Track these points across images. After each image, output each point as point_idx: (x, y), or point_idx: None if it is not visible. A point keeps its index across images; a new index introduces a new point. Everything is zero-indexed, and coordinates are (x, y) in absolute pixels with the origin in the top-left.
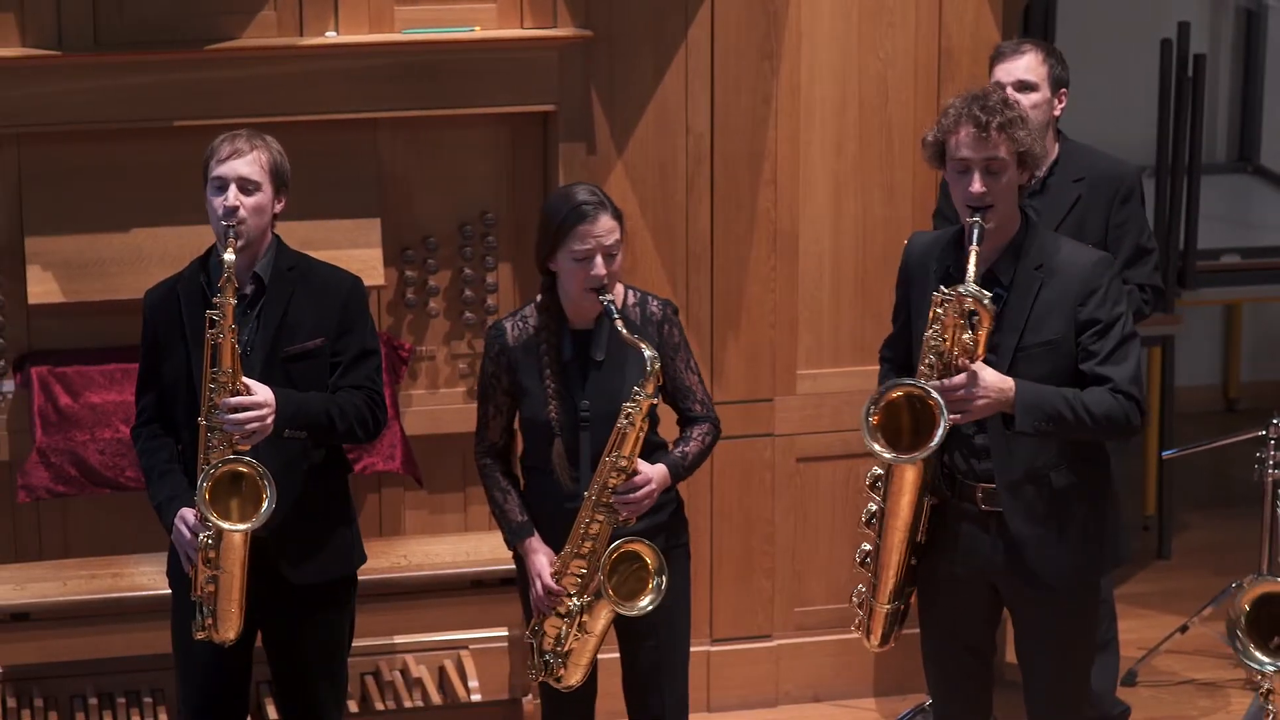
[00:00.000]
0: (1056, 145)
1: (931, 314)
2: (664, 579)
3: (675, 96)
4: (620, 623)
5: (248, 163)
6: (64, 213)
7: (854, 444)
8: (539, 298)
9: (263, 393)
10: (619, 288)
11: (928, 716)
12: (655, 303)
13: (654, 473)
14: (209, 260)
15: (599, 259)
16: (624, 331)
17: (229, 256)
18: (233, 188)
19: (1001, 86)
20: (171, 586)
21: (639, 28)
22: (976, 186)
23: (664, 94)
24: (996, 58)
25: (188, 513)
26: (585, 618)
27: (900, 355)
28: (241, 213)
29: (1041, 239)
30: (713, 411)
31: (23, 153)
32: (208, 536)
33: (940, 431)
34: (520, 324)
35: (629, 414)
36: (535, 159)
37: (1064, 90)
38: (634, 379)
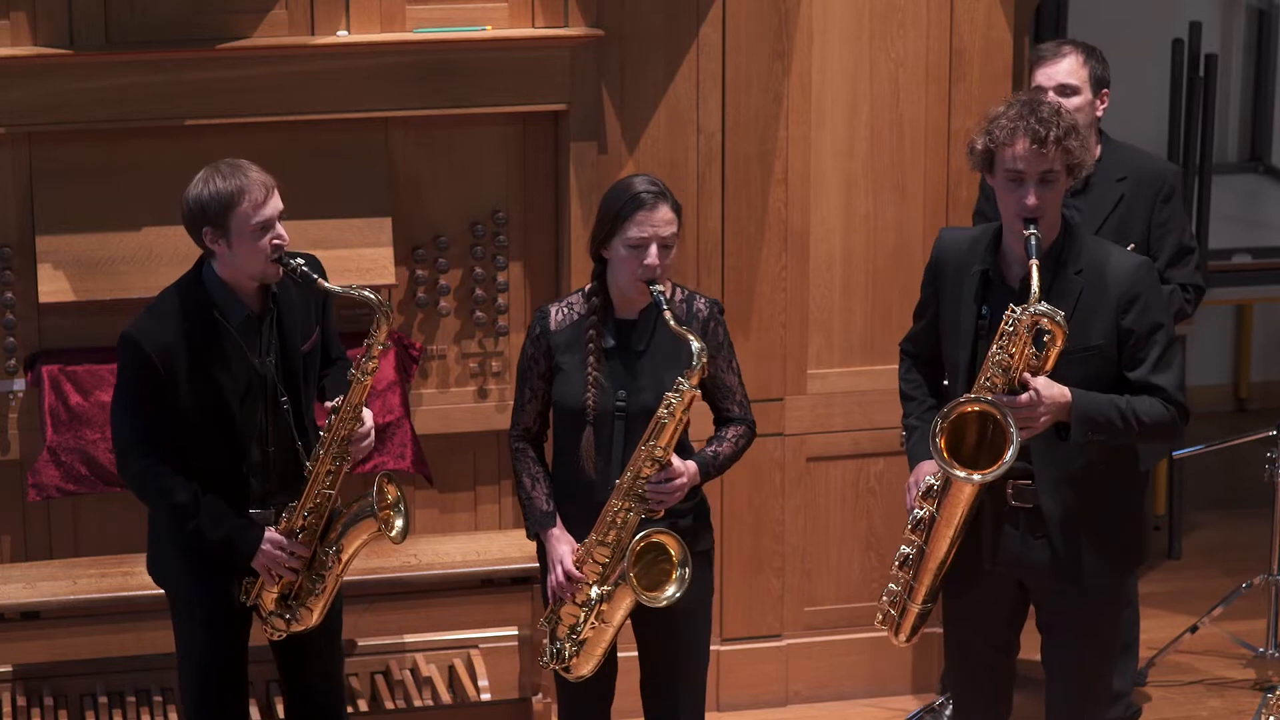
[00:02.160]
0: (1099, 145)
1: (1000, 331)
2: (688, 570)
3: (686, 96)
4: (639, 623)
5: (278, 195)
6: (75, 212)
7: (864, 444)
8: (588, 285)
9: (368, 412)
10: (665, 284)
11: (937, 716)
12: (702, 300)
13: (687, 468)
14: (209, 292)
15: (653, 249)
16: (673, 323)
17: (373, 296)
18: (278, 225)
19: (1043, 91)
20: (170, 590)
21: (650, 27)
22: (1032, 200)
23: (675, 93)
24: (1036, 61)
25: (276, 536)
26: (604, 607)
27: (925, 351)
28: (285, 244)
29: (1082, 243)
30: (750, 414)
31: (34, 151)
32: (334, 552)
33: (1012, 452)
34: (565, 309)
35: (670, 404)
36: (546, 158)
37: (1105, 91)
38: (674, 373)
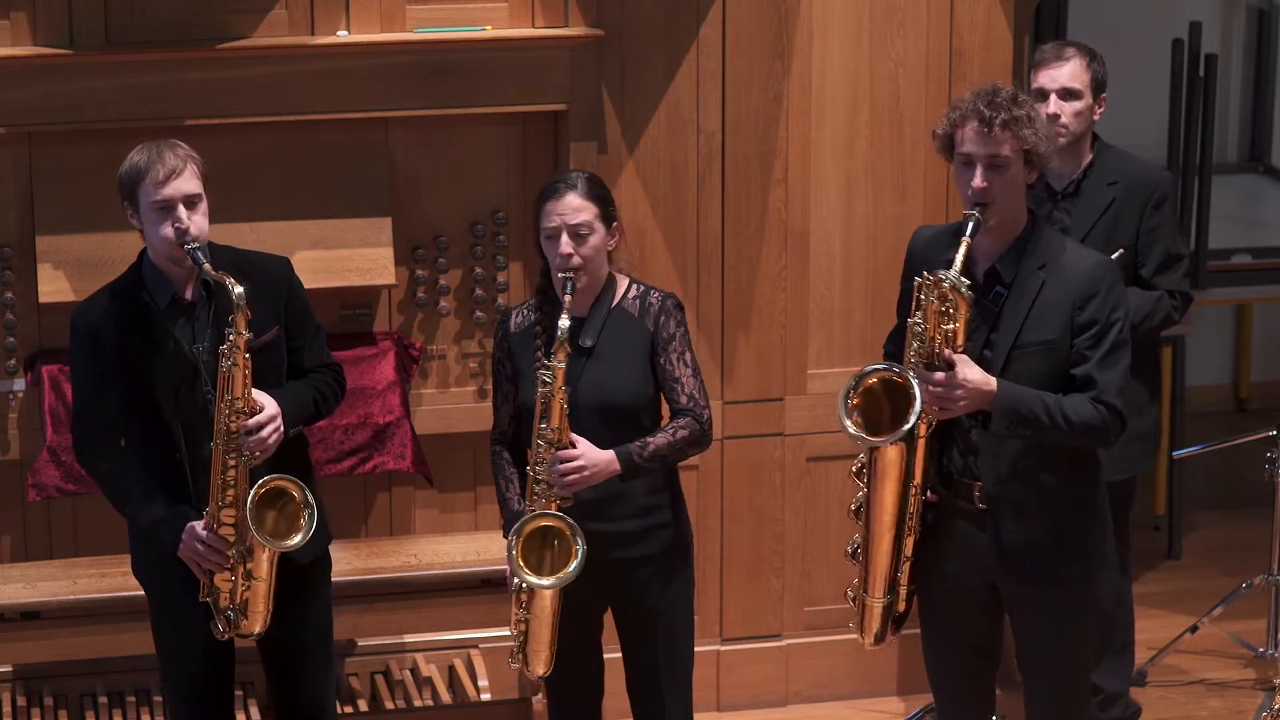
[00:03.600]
0: (1092, 149)
1: (914, 300)
2: (581, 540)
3: (686, 96)
4: (620, 622)
5: (188, 178)
6: (75, 211)
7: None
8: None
9: (270, 404)
10: (623, 281)
11: (936, 717)
12: (656, 294)
13: (591, 452)
14: (142, 275)
15: (564, 237)
16: (566, 301)
17: (239, 289)
18: (180, 208)
19: (1045, 94)
20: (151, 590)
21: (650, 27)
22: (978, 181)
23: (675, 93)
24: (1039, 63)
25: (196, 527)
26: (524, 597)
27: (900, 348)
28: (194, 230)
29: (1046, 239)
30: (700, 407)
31: (34, 151)
32: (242, 550)
33: (914, 414)
34: (524, 311)
35: (545, 382)
36: (546, 158)
37: (1103, 95)
38: (625, 367)
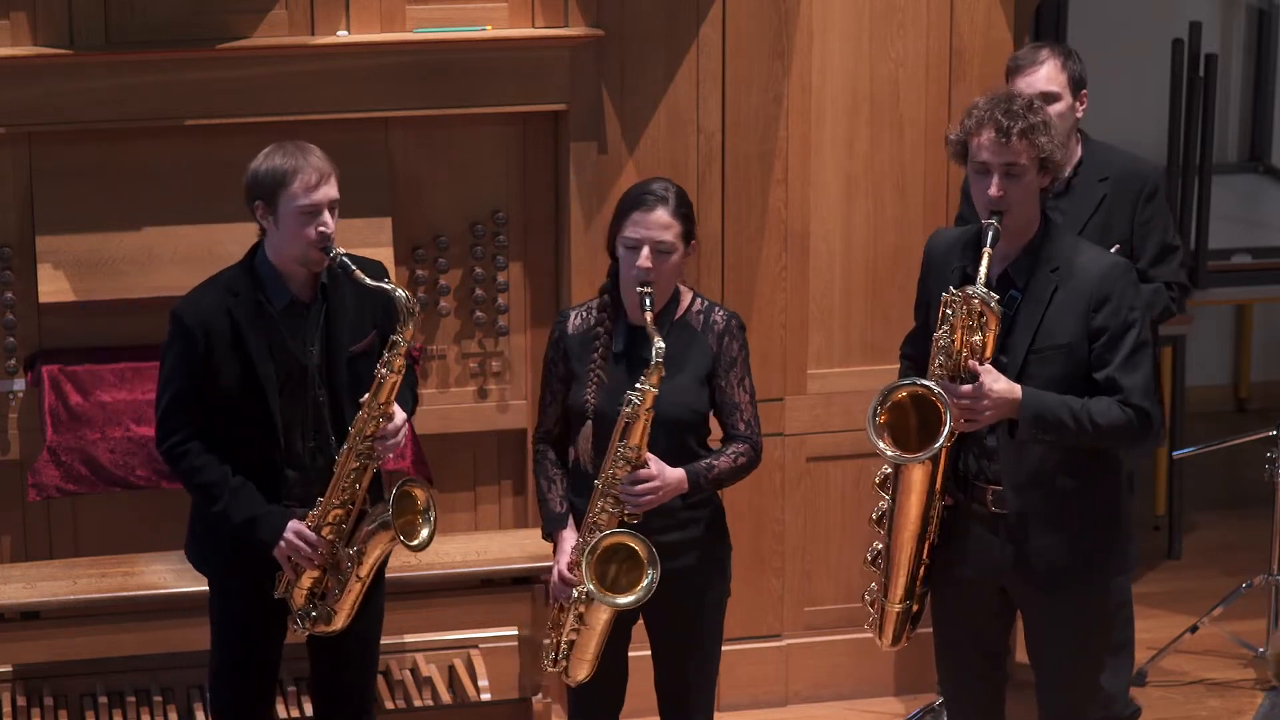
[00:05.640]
0: (1079, 146)
1: (940, 314)
2: (656, 571)
3: (686, 96)
4: (654, 630)
5: (334, 184)
6: (75, 212)
7: (864, 444)
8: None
9: (400, 412)
10: (686, 293)
11: (936, 716)
12: (721, 313)
13: (666, 472)
14: (254, 271)
15: (645, 251)
16: (649, 321)
17: (401, 294)
18: (325, 213)
19: None
20: (215, 579)
21: (650, 27)
22: (994, 190)
23: (675, 93)
24: (1015, 70)
25: (299, 526)
26: (584, 610)
27: (920, 352)
28: (333, 235)
29: (1060, 242)
30: (757, 435)
31: (34, 151)
32: (359, 551)
33: (944, 434)
34: (584, 313)
35: (632, 403)
36: (546, 158)
37: (1084, 92)
38: (683, 381)
